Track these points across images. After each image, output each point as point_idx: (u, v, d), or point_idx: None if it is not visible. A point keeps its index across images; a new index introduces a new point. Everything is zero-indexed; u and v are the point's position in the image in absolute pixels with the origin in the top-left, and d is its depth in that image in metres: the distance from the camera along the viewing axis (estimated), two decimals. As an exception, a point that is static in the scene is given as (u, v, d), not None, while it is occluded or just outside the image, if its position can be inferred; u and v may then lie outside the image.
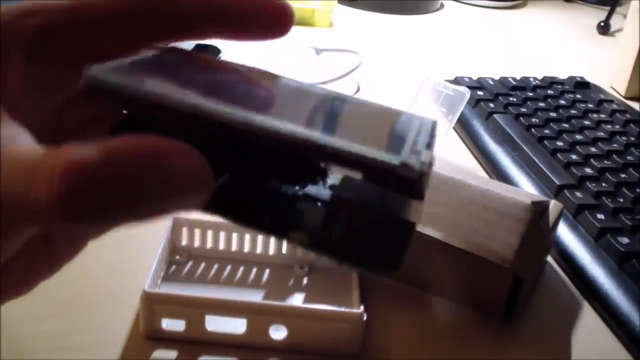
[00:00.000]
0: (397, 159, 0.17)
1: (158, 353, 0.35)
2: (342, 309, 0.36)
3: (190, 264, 0.41)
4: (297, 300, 0.40)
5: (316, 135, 0.17)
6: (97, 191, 0.16)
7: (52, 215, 0.16)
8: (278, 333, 0.36)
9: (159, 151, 0.17)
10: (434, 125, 0.21)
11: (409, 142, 0.18)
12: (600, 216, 0.48)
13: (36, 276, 0.24)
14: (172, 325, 0.36)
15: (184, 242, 0.42)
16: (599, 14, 1.07)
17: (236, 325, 0.36)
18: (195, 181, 0.18)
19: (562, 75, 0.75)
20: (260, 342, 0.36)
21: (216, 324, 0.36)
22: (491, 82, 0.71)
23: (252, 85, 0.23)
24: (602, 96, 0.70)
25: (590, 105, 0.68)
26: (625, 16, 0.81)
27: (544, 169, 0.54)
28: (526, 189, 0.53)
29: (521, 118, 0.63)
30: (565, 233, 0.48)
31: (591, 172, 0.54)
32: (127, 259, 0.42)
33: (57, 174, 0.16)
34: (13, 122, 0.19)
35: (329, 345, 0.36)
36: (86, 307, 0.38)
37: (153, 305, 0.35)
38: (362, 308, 0.36)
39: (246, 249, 0.42)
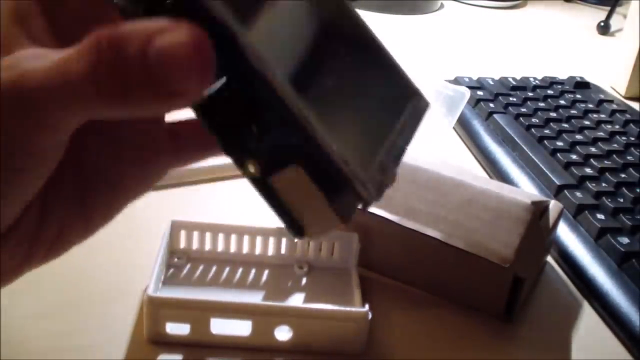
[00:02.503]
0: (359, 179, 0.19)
1: (163, 357, 0.35)
2: (348, 309, 0.36)
3: (188, 266, 0.41)
4: (297, 300, 0.40)
5: (305, 114, 0.18)
6: (117, 64, 0.18)
7: (81, 89, 0.18)
8: (283, 334, 0.36)
9: (160, 27, 0.18)
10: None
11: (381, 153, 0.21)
12: (600, 216, 0.48)
13: (69, 238, 0.24)
14: (177, 329, 0.36)
15: (182, 245, 0.42)
16: (599, 14, 1.06)
17: (241, 327, 0.36)
18: (189, 54, 0.18)
19: (562, 75, 0.75)
20: (265, 343, 0.36)
21: (220, 326, 0.36)
22: (491, 82, 0.71)
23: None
24: (602, 96, 0.70)
25: (590, 105, 0.68)
26: (625, 16, 0.81)
27: (544, 169, 0.54)
28: (526, 189, 0.53)
29: (521, 118, 0.63)
30: (565, 233, 0.48)
31: (591, 172, 0.54)
32: (126, 260, 0.42)
33: (83, 53, 0.18)
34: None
35: (334, 345, 0.36)
36: (86, 307, 0.38)
37: (157, 310, 0.35)
38: (367, 307, 0.36)
39: (245, 250, 0.42)
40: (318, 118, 0.19)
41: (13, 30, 0.21)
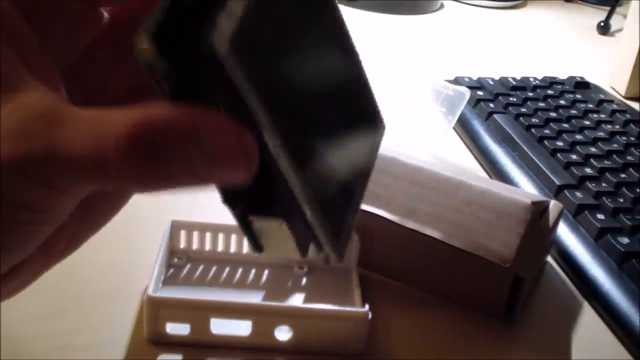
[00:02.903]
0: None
1: (163, 357, 0.35)
2: (348, 309, 0.37)
3: (188, 266, 0.41)
4: (297, 300, 0.40)
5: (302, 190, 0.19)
6: (159, 150, 0.18)
7: (117, 171, 0.18)
8: (283, 334, 0.36)
9: (209, 124, 0.18)
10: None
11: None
12: (600, 216, 0.48)
13: (83, 235, 0.25)
14: (177, 329, 0.36)
15: (182, 245, 0.42)
16: (599, 14, 1.06)
17: (241, 327, 0.36)
18: (237, 157, 0.18)
19: (562, 75, 0.75)
20: (265, 343, 0.36)
21: (220, 326, 0.36)
22: (491, 82, 0.71)
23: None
24: (602, 96, 0.70)
25: (590, 105, 0.68)
26: (625, 16, 0.81)
27: (544, 169, 0.54)
28: (526, 189, 0.53)
29: (521, 118, 0.63)
30: (565, 233, 0.48)
31: (591, 172, 0.54)
32: (126, 259, 0.42)
33: (121, 138, 0.17)
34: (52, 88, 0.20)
35: (334, 345, 0.36)
36: (86, 307, 0.38)
37: (157, 310, 0.35)
38: (367, 307, 0.36)
39: (245, 250, 0.42)
40: (319, 207, 0.20)
41: (11, 60, 0.20)
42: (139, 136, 0.18)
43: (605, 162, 0.55)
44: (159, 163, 0.18)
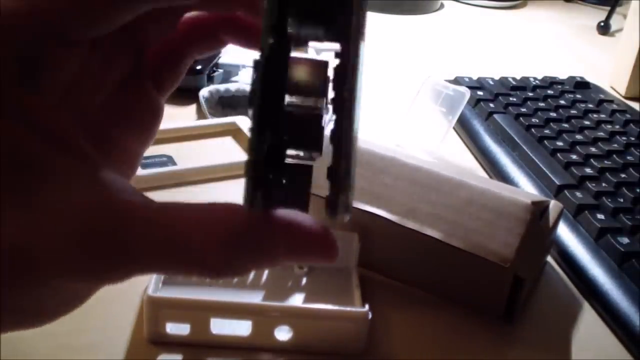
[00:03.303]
0: None
1: (163, 357, 0.35)
2: (348, 309, 0.36)
3: (189, 264, 0.41)
4: (297, 300, 0.40)
5: None
6: (251, 251, 0.19)
7: (205, 266, 0.19)
8: (283, 334, 0.36)
9: (297, 227, 0.19)
10: None
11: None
12: (600, 216, 0.48)
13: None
14: (177, 329, 0.36)
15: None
16: (599, 14, 1.06)
17: (241, 327, 0.36)
18: (317, 253, 0.20)
19: (562, 75, 0.75)
20: (265, 343, 0.36)
21: (221, 326, 0.36)
22: (491, 82, 0.71)
23: None
24: (602, 96, 0.70)
25: (590, 105, 0.68)
26: (625, 16, 0.81)
27: (544, 169, 0.54)
28: (526, 189, 0.53)
29: (521, 118, 0.63)
30: (565, 233, 0.48)
31: (591, 172, 0.54)
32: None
33: (223, 230, 0.18)
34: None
35: (334, 345, 0.36)
36: (86, 307, 0.38)
37: (157, 310, 0.35)
38: (367, 307, 0.36)
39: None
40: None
41: (35, 139, 0.18)
42: (231, 234, 0.18)
43: (605, 162, 0.55)
44: (247, 263, 0.19)
